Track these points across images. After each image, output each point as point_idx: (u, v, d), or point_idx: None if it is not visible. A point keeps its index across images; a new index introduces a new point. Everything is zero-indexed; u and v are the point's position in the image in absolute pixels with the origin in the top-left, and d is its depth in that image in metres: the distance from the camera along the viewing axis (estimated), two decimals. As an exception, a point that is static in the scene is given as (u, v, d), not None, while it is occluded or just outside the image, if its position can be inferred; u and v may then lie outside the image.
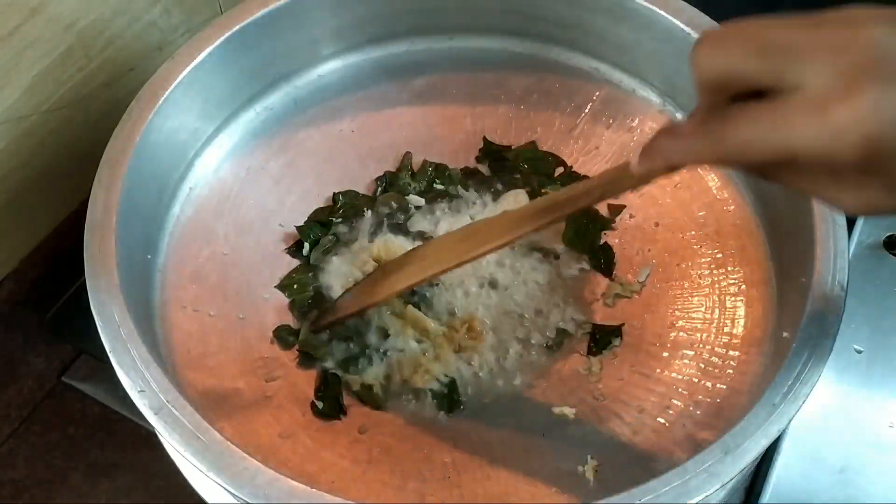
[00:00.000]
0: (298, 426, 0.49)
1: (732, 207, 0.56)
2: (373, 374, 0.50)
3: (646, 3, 0.56)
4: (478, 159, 0.60)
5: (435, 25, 0.62)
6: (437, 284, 0.53)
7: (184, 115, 0.54)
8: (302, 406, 0.50)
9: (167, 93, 0.52)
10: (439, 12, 0.61)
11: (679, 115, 0.59)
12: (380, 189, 0.58)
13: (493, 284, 0.53)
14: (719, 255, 0.54)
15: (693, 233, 0.55)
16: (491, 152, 0.59)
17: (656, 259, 0.55)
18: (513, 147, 0.60)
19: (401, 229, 0.56)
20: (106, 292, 0.45)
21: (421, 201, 0.57)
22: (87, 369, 0.65)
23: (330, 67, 0.62)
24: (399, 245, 0.54)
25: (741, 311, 0.52)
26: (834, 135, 0.27)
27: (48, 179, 0.59)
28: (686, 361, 0.51)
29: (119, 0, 0.57)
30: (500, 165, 0.59)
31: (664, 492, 0.39)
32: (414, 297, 0.52)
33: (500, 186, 0.58)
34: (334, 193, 0.57)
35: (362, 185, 0.58)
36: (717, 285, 0.53)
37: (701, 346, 0.51)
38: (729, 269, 0.54)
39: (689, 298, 0.53)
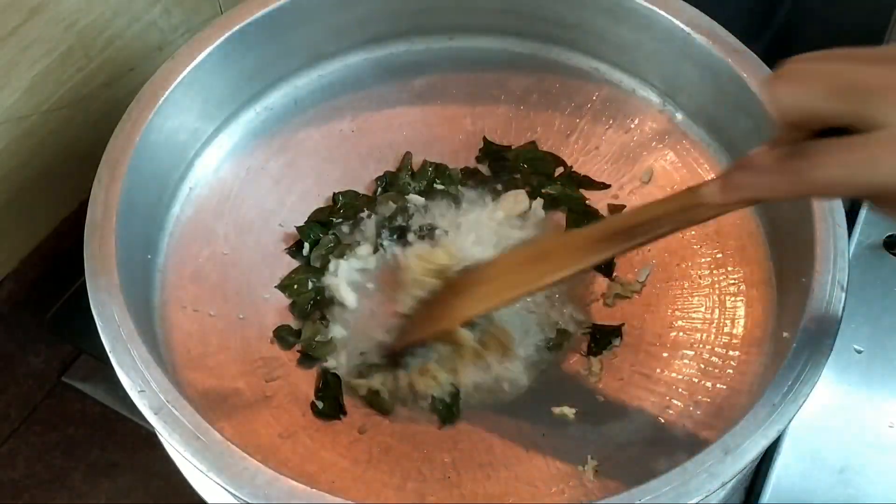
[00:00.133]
0: (298, 426, 0.49)
1: (732, 207, 0.56)
2: (380, 378, 0.50)
3: (646, 3, 0.56)
4: (478, 159, 0.60)
5: (435, 25, 0.62)
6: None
7: (184, 115, 0.54)
8: (302, 406, 0.50)
9: (167, 93, 0.52)
10: (439, 12, 0.61)
11: (679, 116, 0.59)
12: (380, 189, 0.58)
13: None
14: (719, 255, 0.54)
15: (693, 233, 0.55)
16: (491, 152, 0.59)
17: (656, 259, 0.55)
18: (513, 147, 0.60)
19: (403, 233, 0.56)
20: (106, 292, 0.45)
21: (421, 201, 0.57)
22: (87, 369, 0.65)
23: (330, 67, 0.62)
24: (429, 259, 0.53)
25: (741, 311, 0.52)
26: None
27: (48, 179, 0.59)
28: (686, 361, 0.51)
29: (119, 0, 0.57)
30: (500, 165, 0.59)
31: (664, 492, 0.39)
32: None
33: (500, 186, 0.58)
34: (334, 193, 0.57)
35: (362, 185, 0.58)
36: (717, 285, 0.53)
37: (701, 346, 0.51)
38: (729, 269, 0.54)
39: (689, 298, 0.53)
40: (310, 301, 0.53)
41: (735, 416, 0.44)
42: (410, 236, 0.56)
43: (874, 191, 0.30)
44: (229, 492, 0.39)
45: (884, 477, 0.54)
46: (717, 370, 0.50)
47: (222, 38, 0.54)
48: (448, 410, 0.49)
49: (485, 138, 0.60)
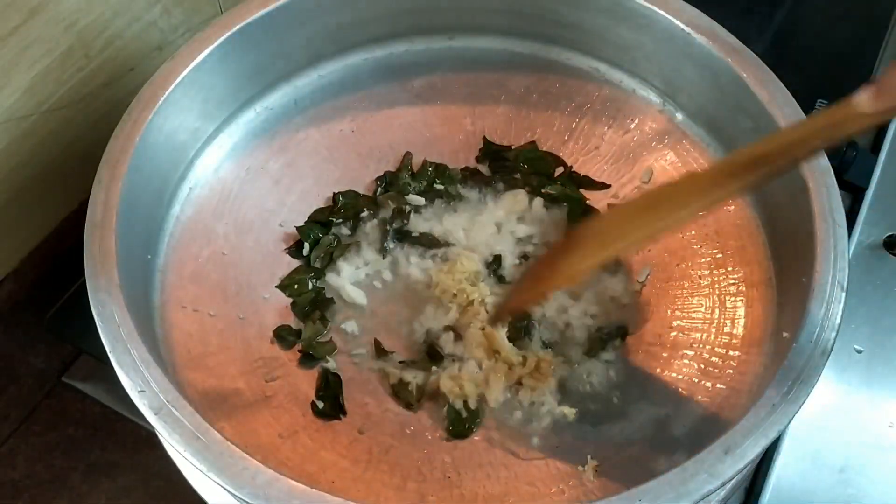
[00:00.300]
0: (298, 426, 0.49)
1: (732, 207, 0.56)
2: (412, 373, 0.50)
3: (646, 3, 0.56)
4: (478, 159, 0.60)
5: (435, 25, 0.62)
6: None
7: (184, 115, 0.54)
8: (302, 406, 0.50)
9: (167, 93, 0.52)
10: (439, 12, 0.61)
11: (679, 116, 0.59)
12: (380, 189, 0.58)
13: (498, 282, 0.54)
14: (719, 255, 0.54)
15: (693, 233, 0.55)
16: (491, 152, 0.59)
17: (656, 259, 0.55)
18: (513, 147, 0.60)
19: (405, 235, 0.56)
20: (106, 292, 0.45)
21: (421, 201, 0.57)
22: (87, 369, 0.65)
23: (330, 67, 0.62)
24: (456, 270, 0.53)
25: (741, 311, 0.52)
26: None
27: (48, 179, 0.59)
28: (686, 361, 0.51)
29: (119, 0, 0.57)
30: (500, 165, 0.59)
31: (664, 492, 0.39)
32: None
33: (500, 186, 0.58)
34: (334, 193, 0.57)
35: (362, 185, 0.58)
36: (717, 285, 0.53)
37: (701, 346, 0.51)
38: (729, 269, 0.54)
39: (689, 298, 0.53)
40: (310, 301, 0.53)
41: (735, 416, 0.44)
42: (418, 248, 0.56)
43: None
44: (229, 492, 0.39)
45: (884, 477, 0.54)
46: (717, 370, 0.50)
47: (222, 38, 0.54)
48: (460, 424, 0.49)
49: (485, 138, 0.60)
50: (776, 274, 0.52)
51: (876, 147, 0.69)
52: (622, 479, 0.46)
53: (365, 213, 0.57)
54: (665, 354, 0.51)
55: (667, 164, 0.58)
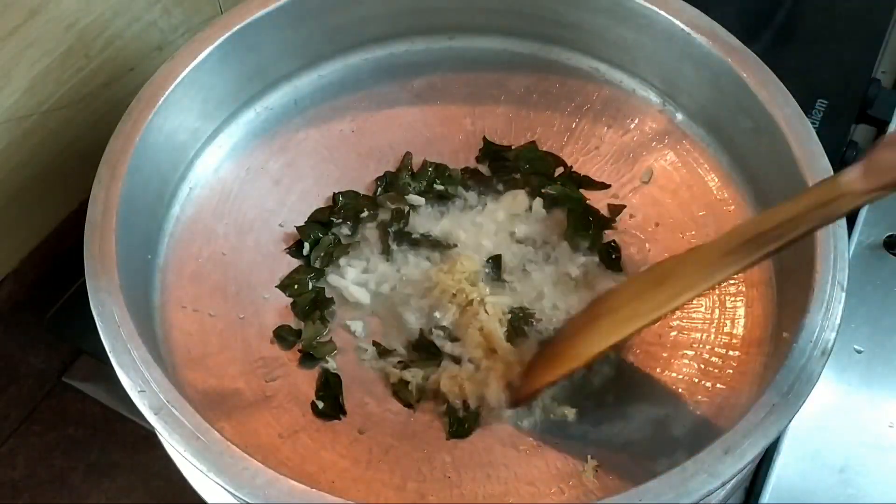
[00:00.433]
0: (298, 426, 0.49)
1: (732, 207, 0.56)
2: (412, 372, 0.50)
3: (646, 3, 0.55)
4: (478, 159, 0.60)
5: (435, 25, 0.62)
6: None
7: (184, 115, 0.54)
8: (302, 406, 0.50)
9: (167, 93, 0.52)
10: (439, 12, 0.61)
11: (679, 116, 0.59)
12: (380, 189, 0.58)
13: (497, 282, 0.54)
14: (719, 255, 0.54)
15: (693, 233, 0.55)
16: (491, 152, 0.59)
17: (656, 259, 0.55)
18: (513, 147, 0.60)
19: (405, 236, 0.56)
20: (106, 292, 0.45)
21: (421, 201, 0.57)
22: (87, 369, 0.65)
23: (330, 67, 0.62)
24: (456, 269, 0.53)
25: (741, 311, 0.52)
26: None
27: (48, 179, 0.59)
28: (686, 361, 0.51)
29: (119, 0, 0.57)
30: (500, 165, 0.59)
31: (664, 492, 0.39)
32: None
33: (500, 186, 0.58)
34: (334, 194, 0.57)
35: (362, 185, 0.58)
36: (717, 285, 0.53)
37: (701, 346, 0.51)
38: (729, 269, 0.54)
39: (689, 298, 0.53)
40: (310, 301, 0.53)
41: (735, 416, 0.44)
42: (418, 249, 0.56)
43: None
44: (229, 492, 0.39)
45: (884, 477, 0.54)
46: (717, 370, 0.50)
47: (222, 38, 0.54)
48: (460, 424, 0.49)
49: (485, 138, 0.60)
50: (776, 274, 0.52)
51: (876, 147, 0.69)
52: (622, 479, 0.46)
53: (365, 214, 0.57)
54: (665, 354, 0.51)
55: (667, 164, 0.58)
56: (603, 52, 0.61)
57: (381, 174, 0.59)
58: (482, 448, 0.48)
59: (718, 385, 0.50)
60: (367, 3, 0.59)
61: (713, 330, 0.52)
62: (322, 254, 0.55)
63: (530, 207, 0.57)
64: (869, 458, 0.55)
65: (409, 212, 0.57)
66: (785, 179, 0.50)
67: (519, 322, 0.52)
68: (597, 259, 0.55)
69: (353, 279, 0.54)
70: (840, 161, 0.67)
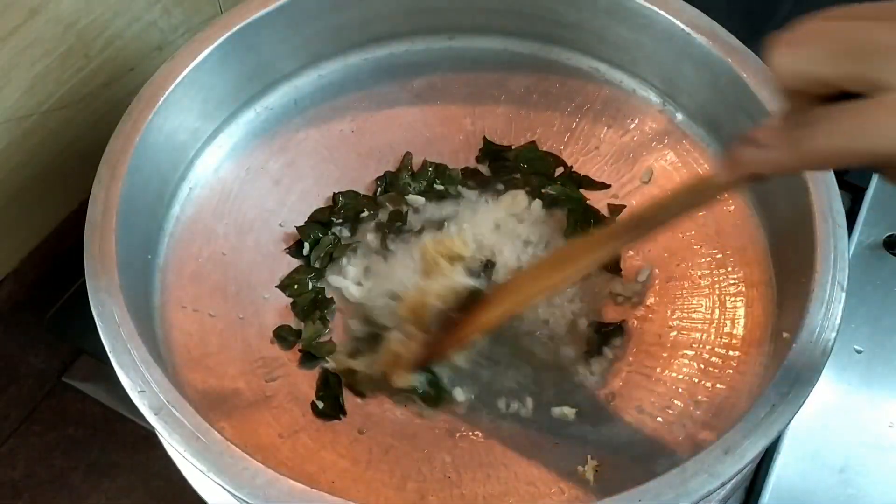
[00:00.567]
0: (298, 426, 0.49)
1: (732, 207, 0.56)
2: (364, 362, 0.51)
3: (646, 3, 0.56)
4: (478, 159, 0.60)
5: (435, 25, 0.62)
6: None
7: (184, 115, 0.54)
8: (302, 406, 0.50)
9: (167, 93, 0.52)
10: (439, 12, 0.61)
11: (679, 116, 0.59)
12: (380, 189, 0.58)
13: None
14: (719, 256, 0.54)
15: (693, 233, 0.55)
16: (491, 152, 0.59)
17: (656, 259, 0.55)
18: (513, 147, 0.60)
19: (405, 233, 0.56)
20: (106, 292, 0.45)
21: (421, 201, 0.57)
22: (87, 369, 0.65)
23: (330, 67, 0.62)
24: (444, 244, 0.54)
25: (741, 312, 0.52)
26: None
27: (48, 179, 0.59)
28: (686, 361, 0.51)
29: (119, 0, 0.57)
30: (500, 165, 0.59)
31: (664, 492, 0.39)
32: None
33: (500, 186, 0.58)
34: (334, 194, 0.57)
35: (362, 185, 0.58)
36: (717, 285, 0.53)
37: (701, 346, 0.51)
38: (729, 269, 0.54)
39: (689, 298, 0.53)
40: (310, 301, 0.53)
41: (735, 416, 0.44)
42: (421, 237, 0.56)
43: (879, 159, 0.28)
44: (229, 492, 0.39)
45: (884, 477, 0.54)
46: (717, 370, 0.50)
47: (222, 38, 0.54)
48: (436, 395, 0.50)
49: (485, 138, 0.60)
50: (776, 274, 0.53)
51: (876, 147, 0.69)
52: (622, 479, 0.46)
53: (365, 214, 0.57)
54: (665, 354, 0.51)
55: (667, 164, 0.58)
56: (603, 52, 0.61)
57: (381, 174, 0.59)
58: (482, 448, 0.48)
59: (718, 385, 0.50)
60: (367, 3, 0.59)
61: (713, 330, 0.52)
62: (322, 254, 0.55)
63: (530, 208, 0.57)
64: (869, 458, 0.55)
65: (407, 212, 0.57)
66: (785, 179, 0.50)
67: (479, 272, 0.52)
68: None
69: (353, 279, 0.54)
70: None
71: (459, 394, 0.50)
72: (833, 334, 0.44)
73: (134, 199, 0.49)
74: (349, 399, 0.50)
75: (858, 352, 0.58)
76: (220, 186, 0.57)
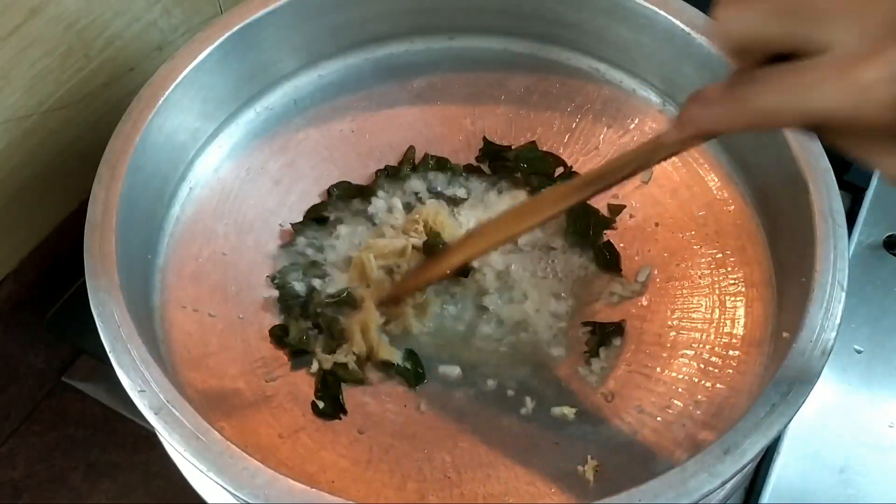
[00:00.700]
0: (298, 426, 0.49)
1: (732, 207, 0.56)
2: (343, 351, 0.51)
3: (646, 3, 0.56)
4: (478, 159, 0.59)
5: (435, 25, 0.62)
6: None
7: (184, 115, 0.54)
8: (302, 406, 0.50)
9: (167, 93, 0.52)
10: (439, 12, 0.61)
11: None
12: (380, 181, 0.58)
13: (500, 281, 0.54)
14: (719, 255, 0.54)
15: (693, 233, 0.55)
16: (491, 152, 0.59)
17: (656, 259, 0.55)
18: (513, 147, 0.60)
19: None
20: (106, 292, 0.45)
21: (420, 186, 0.57)
22: (87, 369, 0.65)
23: (330, 67, 0.62)
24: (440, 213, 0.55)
25: (741, 311, 0.52)
26: (861, 96, 0.27)
27: (48, 179, 0.59)
28: (686, 361, 0.51)
29: (119, 0, 0.57)
30: (500, 165, 0.59)
31: (664, 492, 0.39)
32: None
33: (500, 186, 0.58)
34: (329, 187, 0.57)
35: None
36: (717, 285, 0.53)
37: (701, 346, 0.51)
38: (729, 269, 0.54)
39: (689, 298, 0.53)
40: (295, 297, 0.53)
41: (735, 416, 0.44)
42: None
43: (816, 119, 0.28)
44: (229, 492, 0.39)
45: (884, 477, 0.54)
46: (717, 370, 0.50)
47: (222, 38, 0.54)
48: (414, 372, 0.50)
49: (485, 138, 0.60)
50: (776, 274, 0.53)
51: (876, 147, 0.69)
52: (622, 479, 0.46)
53: (359, 200, 0.57)
54: (665, 354, 0.51)
55: (667, 164, 0.58)
56: (603, 52, 0.61)
57: (382, 167, 0.58)
58: (482, 448, 0.48)
59: (718, 385, 0.50)
60: (367, 3, 0.59)
61: (713, 330, 0.52)
62: (318, 250, 0.55)
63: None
64: (869, 458, 0.55)
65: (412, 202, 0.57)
66: (785, 179, 0.50)
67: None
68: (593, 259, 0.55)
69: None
70: (840, 160, 0.67)
71: (450, 370, 0.51)
72: (833, 334, 0.44)
73: (134, 199, 0.49)
74: (349, 399, 0.50)
75: (858, 352, 0.58)
76: (220, 186, 0.57)
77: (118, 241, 0.47)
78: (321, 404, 0.50)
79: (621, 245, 0.55)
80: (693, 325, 0.52)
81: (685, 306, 0.53)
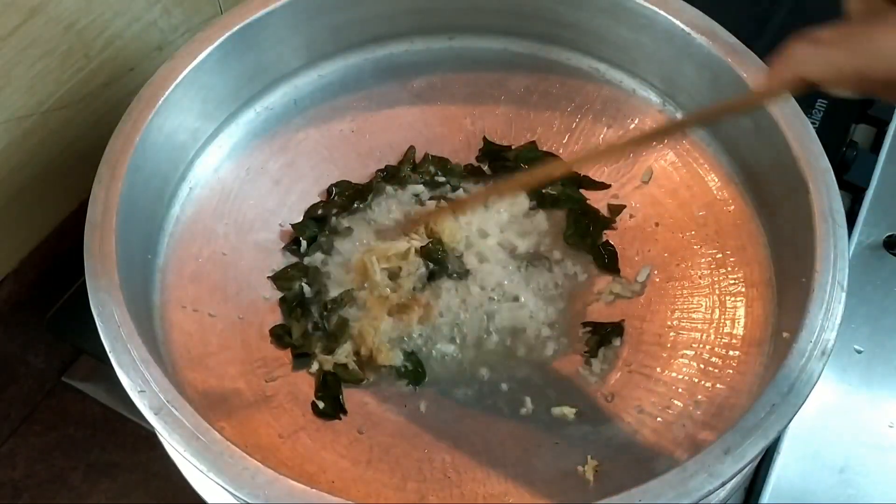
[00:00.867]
0: (298, 426, 0.49)
1: (732, 207, 0.56)
2: (343, 352, 0.51)
3: (646, 3, 0.56)
4: (478, 159, 0.60)
5: (435, 25, 0.62)
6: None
7: (184, 115, 0.54)
8: (302, 406, 0.50)
9: (167, 93, 0.52)
10: (439, 12, 0.61)
11: (679, 116, 0.59)
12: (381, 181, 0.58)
13: (500, 282, 0.54)
14: (719, 255, 0.54)
15: (693, 233, 0.55)
16: (491, 152, 0.59)
17: (656, 259, 0.55)
18: (513, 147, 0.60)
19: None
20: (106, 292, 0.45)
21: (420, 188, 0.57)
22: (87, 369, 0.65)
23: (330, 67, 0.62)
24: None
25: (741, 311, 0.52)
26: None
27: (48, 179, 0.59)
28: (686, 361, 0.51)
29: (119, 0, 0.57)
30: (500, 165, 0.59)
31: (664, 492, 0.39)
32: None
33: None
34: (329, 186, 0.57)
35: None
36: (717, 285, 0.53)
37: (701, 346, 0.51)
38: (729, 269, 0.54)
39: (689, 298, 0.53)
40: (297, 298, 0.53)
41: (735, 416, 0.44)
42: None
43: None
44: (229, 492, 0.39)
45: (884, 477, 0.54)
46: (717, 370, 0.50)
47: (222, 38, 0.54)
48: (415, 372, 0.50)
49: (485, 138, 0.60)
50: (776, 274, 0.53)
51: (876, 147, 0.69)
52: (622, 479, 0.46)
53: (359, 201, 0.57)
54: (665, 354, 0.51)
55: (667, 164, 0.58)
56: (603, 52, 0.61)
57: (382, 167, 0.58)
58: (482, 448, 0.48)
59: (718, 385, 0.50)
60: (367, 3, 0.59)
61: (713, 330, 0.52)
62: (319, 250, 0.55)
63: (530, 208, 0.57)
64: (869, 458, 0.55)
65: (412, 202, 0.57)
66: (785, 179, 0.50)
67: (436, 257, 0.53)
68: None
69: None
70: (840, 161, 0.67)
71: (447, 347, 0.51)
72: (833, 334, 0.44)
73: (134, 199, 0.49)
74: (349, 399, 0.50)
75: (858, 352, 0.58)
76: (220, 186, 0.57)
77: (118, 241, 0.47)
78: (321, 404, 0.50)
79: (621, 245, 0.55)
80: (693, 325, 0.52)
81: (685, 306, 0.53)
